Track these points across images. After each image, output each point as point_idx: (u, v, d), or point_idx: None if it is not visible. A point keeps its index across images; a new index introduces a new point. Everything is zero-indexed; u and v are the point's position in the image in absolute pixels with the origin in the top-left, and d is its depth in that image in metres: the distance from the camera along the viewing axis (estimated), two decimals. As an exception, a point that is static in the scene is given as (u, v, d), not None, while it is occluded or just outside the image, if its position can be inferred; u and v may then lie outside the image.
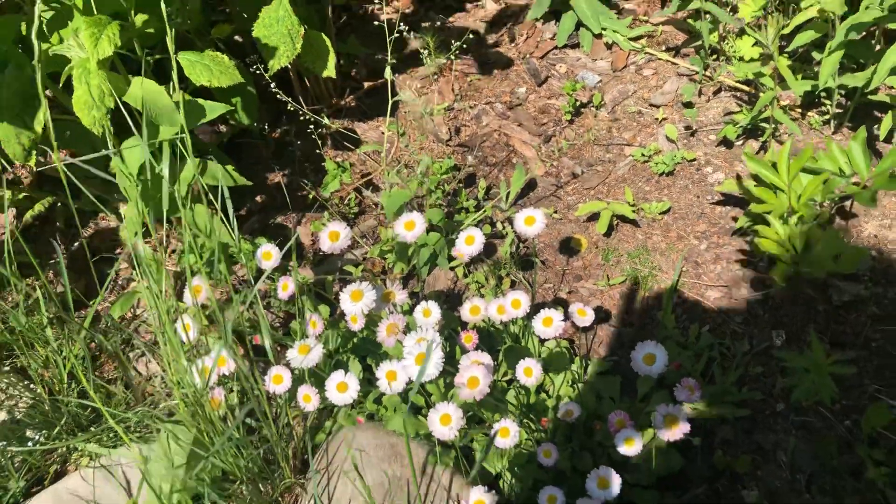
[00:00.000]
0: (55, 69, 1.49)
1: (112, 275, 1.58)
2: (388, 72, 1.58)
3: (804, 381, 1.38)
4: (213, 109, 1.58)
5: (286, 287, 1.40)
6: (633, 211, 1.80)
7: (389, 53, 1.57)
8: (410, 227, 1.38)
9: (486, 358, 1.21)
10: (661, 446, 1.36)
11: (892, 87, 1.78)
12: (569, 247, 1.80)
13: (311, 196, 1.94)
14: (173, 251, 1.81)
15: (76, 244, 1.90)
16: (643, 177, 1.92)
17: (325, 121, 1.75)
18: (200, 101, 1.56)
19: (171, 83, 1.54)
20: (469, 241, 1.36)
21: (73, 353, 1.50)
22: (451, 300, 1.70)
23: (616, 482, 1.16)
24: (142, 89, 1.42)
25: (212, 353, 1.31)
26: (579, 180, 1.94)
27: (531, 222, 1.38)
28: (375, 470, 1.30)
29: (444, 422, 1.17)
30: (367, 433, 1.37)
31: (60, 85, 1.46)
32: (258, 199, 1.96)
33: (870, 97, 1.79)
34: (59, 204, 1.87)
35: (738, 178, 1.75)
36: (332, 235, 1.37)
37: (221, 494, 1.29)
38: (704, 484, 1.41)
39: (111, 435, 1.43)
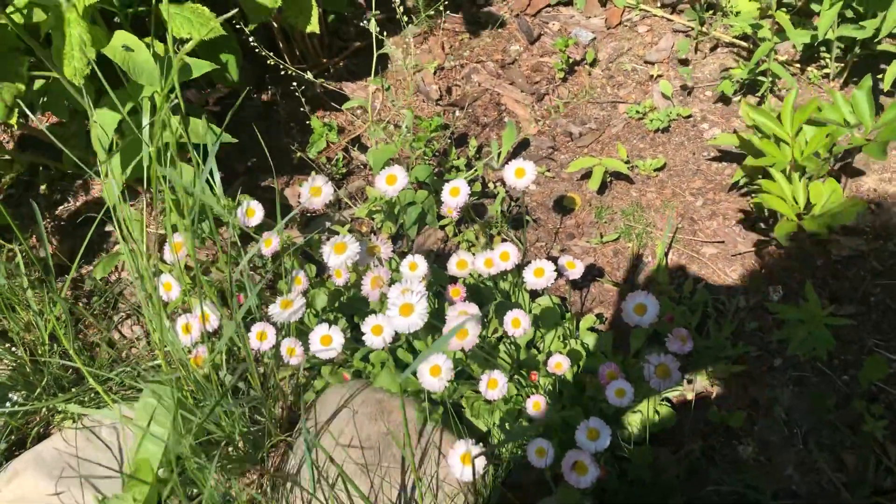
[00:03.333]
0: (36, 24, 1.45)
1: (91, 235, 1.54)
2: (372, 24, 1.53)
3: (799, 332, 1.34)
4: (199, 67, 1.54)
5: (269, 243, 1.36)
6: (628, 168, 1.76)
7: (373, 4, 1.52)
8: (392, 181, 1.34)
9: (473, 309, 1.17)
10: (654, 401, 1.33)
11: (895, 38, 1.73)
12: (562, 205, 1.76)
13: (298, 157, 1.90)
14: (161, 211, 1.77)
15: (60, 208, 1.86)
16: (638, 134, 1.87)
17: (309, 76, 1.70)
18: (186, 58, 1.52)
19: (153, 38, 1.50)
20: (454, 193, 1.32)
21: (55, 314, 1.47)
22: (441, 260, 1.67)
23: (606, 433, 1.13)
24: (123, 43, 1.38)
25: (195, 311, 1.28)
26: (573, 139, 1.89)
27: (521, 174, 1.34)
28: (363, 427, 1.27)
29: (434, 373, 1.14)
30: (354, 390, 1.34)
31: (42, 38, 1.42)
32: (245, 161, 1.92)
33: (876, 47, 1.74)
34: (41, 168, 1.84)
35: (736, 132, 1.71)
36: (315, 191, 1.34)
37: (208, 454, 1.27)
38: (699, 439, 1.38)
39: (93, 395, 1.40)
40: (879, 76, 1.75)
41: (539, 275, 1.26)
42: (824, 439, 1.37)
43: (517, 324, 1.21)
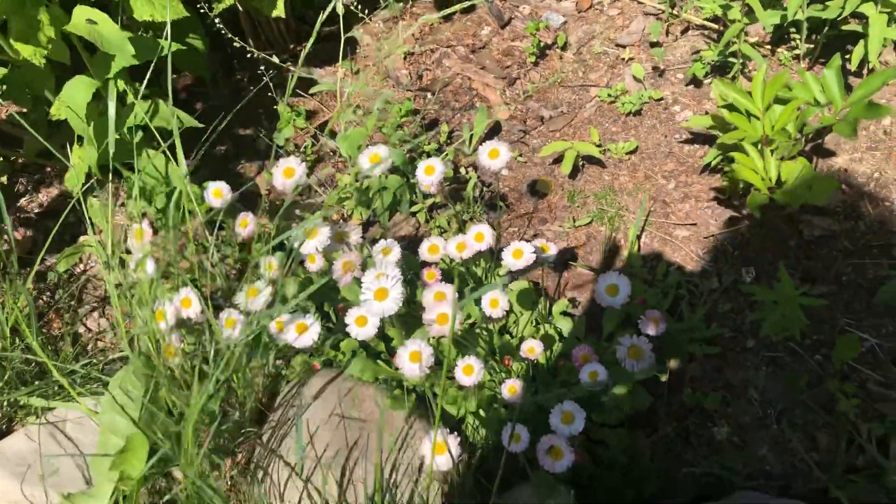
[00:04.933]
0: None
1: (57, 227, 1.50)
2: (339, 8, 1.50)
3: (773, 313, 1.34)
4: (167, 47, 1.51)
5: (245, 224, 1.33)
6: (600, 151, 1.75)
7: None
8: (376, 160, 1.30)
9: (448, 289, 1.16)
10: (628, 383, 1.33)
11: (861, 18, 1.73)
12: (534, 190, 1.75)
13: (265, 144, 1.86)
14: (122, 204, 1.73)
15: (23, 200, 1.82)
16: (610, 117, 1.86)
17: (275, 59, 1.67)
18: (157, 38, 1.49)
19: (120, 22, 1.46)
20: (429, 171, 1.29)
21: (18, 307, 1.43)
22: (413, 246, 1.64)
23: (580, 416, 1.12)
24: (86, 17, 1.34)
25: (176, 296, 1.25)
26: (545, 123, 1.88)
27: (495, 155, 1.31)
28: (334, 417, 1.25)
29: (414, 359, 1.12)
30: (325, 380, 1.32)
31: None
32: (212, 148, 1.88)
33: (842, 28, 1.74)
34: (2, 158, 1.79)
35: (708, 113, 1.70)
36: (287, 172, 1.30)
37: (177, 448, 1.24)
38: (674, 421, 1.38)
39: (57, 389, 1.37)
40: (847, 56, 1.76)
41: (518, 256, 1.24)
42: (798, 419, 1.37)
43: (495, 304, 1.19)
